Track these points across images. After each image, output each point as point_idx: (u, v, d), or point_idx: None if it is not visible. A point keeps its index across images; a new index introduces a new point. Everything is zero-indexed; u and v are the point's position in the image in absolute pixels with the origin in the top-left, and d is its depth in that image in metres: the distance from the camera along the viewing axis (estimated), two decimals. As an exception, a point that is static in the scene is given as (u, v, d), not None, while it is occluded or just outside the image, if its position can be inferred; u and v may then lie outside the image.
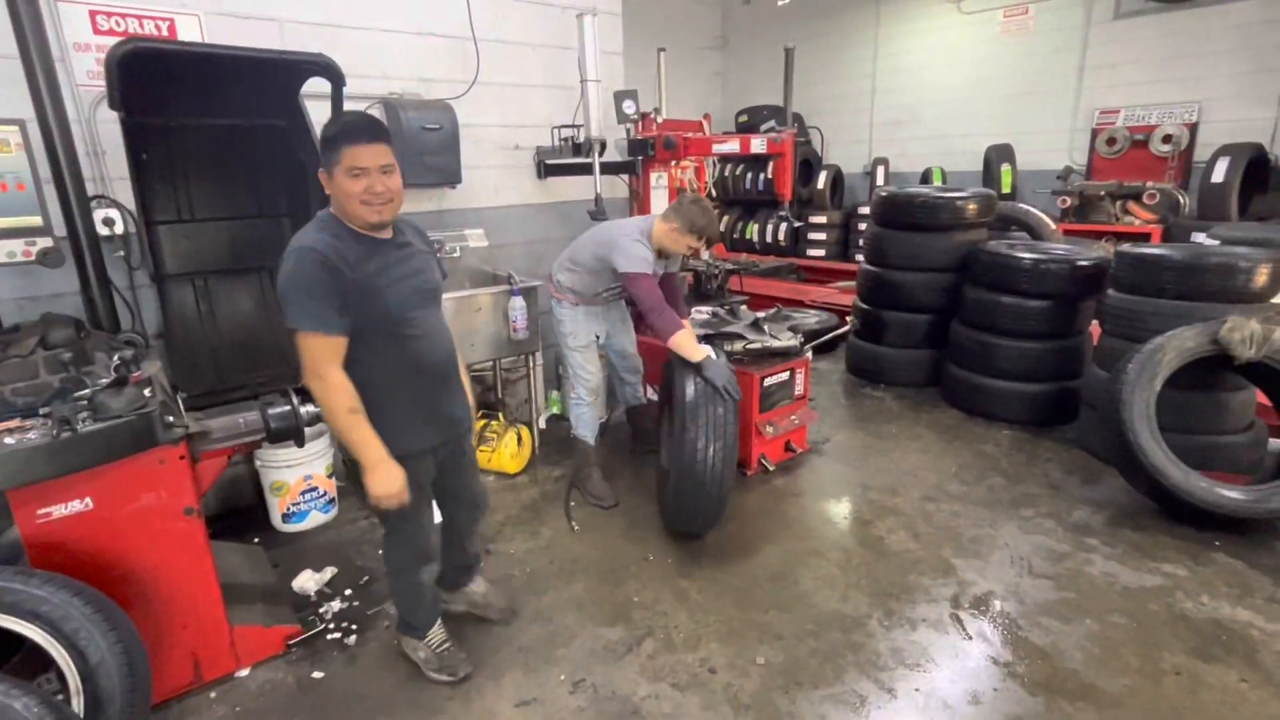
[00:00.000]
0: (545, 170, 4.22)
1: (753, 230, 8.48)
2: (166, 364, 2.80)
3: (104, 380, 1.94)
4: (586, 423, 3.47)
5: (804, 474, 3.67)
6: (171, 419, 1.97)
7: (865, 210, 7.59)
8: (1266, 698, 2.18)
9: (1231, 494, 2.95)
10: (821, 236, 8.06)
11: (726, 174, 8.51)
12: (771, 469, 3.61)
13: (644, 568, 2.88)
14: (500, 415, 3.92)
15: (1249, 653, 2.36)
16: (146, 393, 1.96)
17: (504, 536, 3.14)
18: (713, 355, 2.87)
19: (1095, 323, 4.08)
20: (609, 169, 4.13)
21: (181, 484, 2.02)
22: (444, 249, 3.74)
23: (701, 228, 2.98)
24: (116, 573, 1.98)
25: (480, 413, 3.90)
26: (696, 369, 2.84)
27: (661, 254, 3.12)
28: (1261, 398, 3.39)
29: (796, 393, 3.72)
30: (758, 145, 3.89)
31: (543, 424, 4.33)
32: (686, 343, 2.87)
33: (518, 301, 3.47)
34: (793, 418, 3.70)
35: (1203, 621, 2.51)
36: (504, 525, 3.23)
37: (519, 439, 3.74)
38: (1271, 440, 3.50)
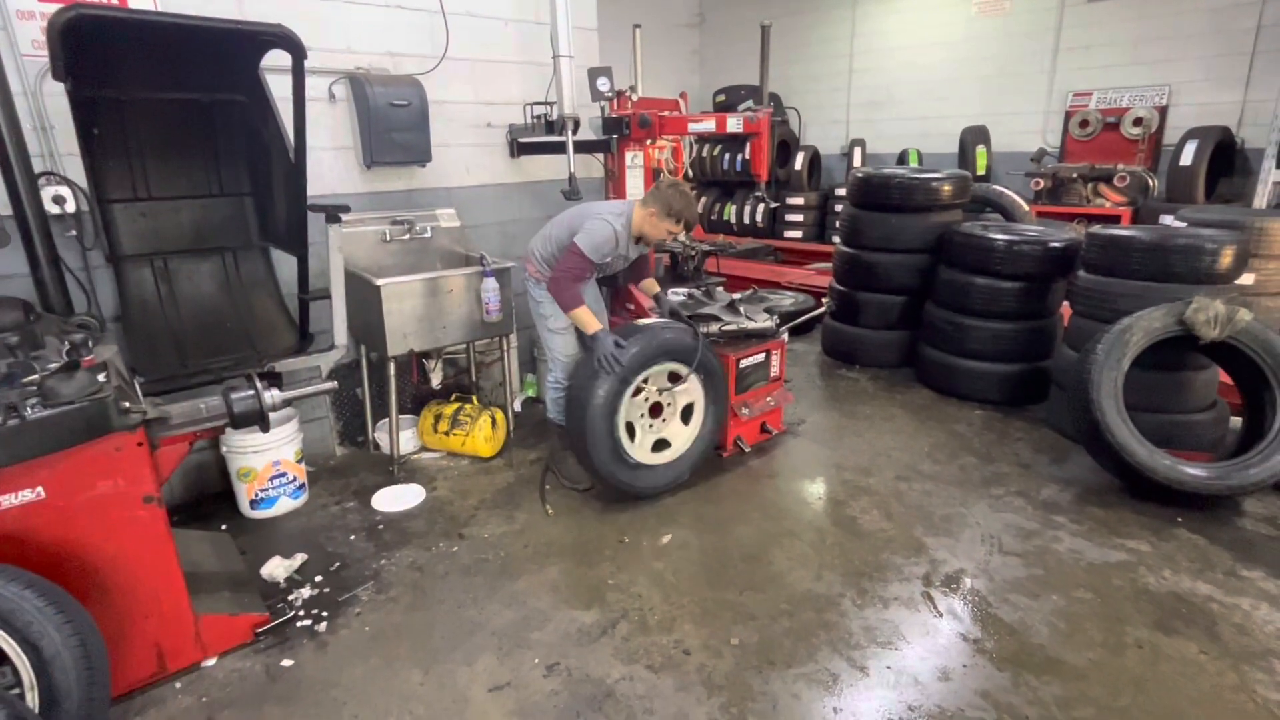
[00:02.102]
0: (518, 149, 4.14)
1: (730, 211, 8.45)
2: (125, 348, 2.72)
3: (54, 365, 1.87)
4: (562, 406, 3.44)
5: (779, 455, 3.69)
6: (128, 404, 1.91)
7: (842, 192, 7.59)
8: (1224, 669, 2.24)
9: (1194, 471, 3.00)
10: (799, 218, 8.05)
11: (704, 154, 8.46)
12: (747, 450, 3.62)
13: (619, 550, 2.88)
14: (474, 399, 3.88)
15: (1209, 625, 2.42)
16: (100, 378, 1.89)
17: (478, 520, 3.12)
18: (605, 331, 3.06)
19: (1066, 303, 4.13)
20: (583, 148, 4.07)
21: (140, 471, 1.97)
22: (414, 229, 3.68)
23: (679, 211, 2.97)
24: (73, 564, 1.92)
25: (454, 396, 3.86)
26: (590, 340, 3.06)
27: (640, 239, 3.09)
28: (1224, 377, 3.45)
29: (772, 374, 3.73)
30: (734, 124, 3.84)
31: (518, 407, 4.30)
32: (585, 317, 3.05)
33: (491, 283, 3.42)
34: (768, 399, 3.71)
35: (1164, 596, 2.56)
36: (478, 509, 3.21)
37: (493, 422, 3.71)
38: (1232, 419, 3.58)
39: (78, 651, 1.74)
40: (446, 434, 3.69)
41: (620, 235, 3.02)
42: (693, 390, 3.16)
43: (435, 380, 3.79)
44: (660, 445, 3.31)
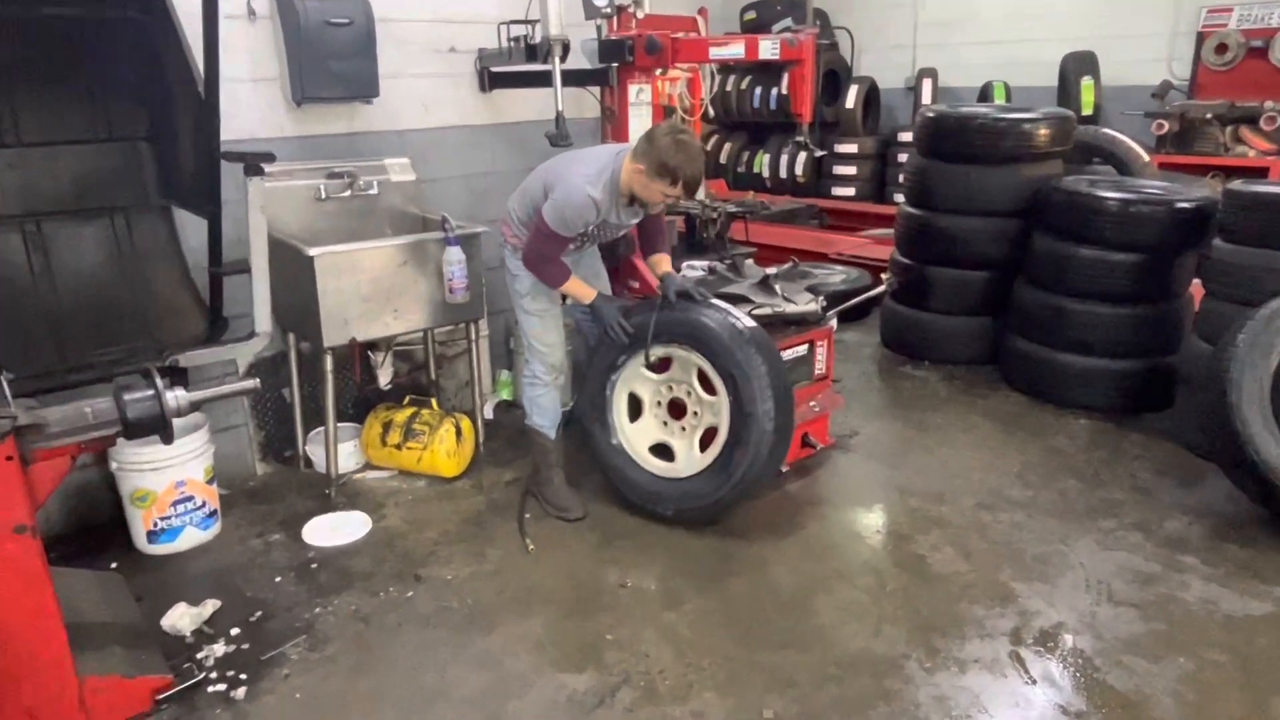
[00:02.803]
0: (490, 80, 4.15)
1: (762, 162, 8.46)
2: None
3: (-100, 356, 1.89)
4: (546, 410, 3.46)
5: (825, 476, 3.69)
6: (-7, 408, 1.92)
7: (907, 137, 7.58)
8: (1401, 753, 2.25)
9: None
10: (850, 170, 8.05)
11: (729, 89, 8.46)
12: (785, 470, 3.62)
13: (620, 597, 2.89)
14: (434, 402, 3.90)
15: (1381, 697, 2.42)
16: (-42, 373, 1.91)
17: (438, 558, 3.13)
18: (603, 297, 3.23)
19: (1197, 282, 4.13)
20: (574, 79, 4.07)
21: (9, 493, 1.99)
22: (356, 184, 3.69)
23: (674, 169, 2.89)
24: (-77, 610, 1.94)
25: (408, 399, 3.88)
26: (591, 311, 3.22)
27: (634, 200, 3.10)
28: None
29: (817, 372, 3.72)
30: (768, 50, 3.85)
31: (489, 413, 4.32)
32: (576, 289, 3.19)
33: (455, 253, 3.43)
34: (812, 404, 3.71)
35: (1324, 658, 2.57)
36: (438, 544, 3.23)
37: (458, 432, 3.73)
38: None
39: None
40: (398, 447, 3.72)
41: (601, 201, 3.02)
42: (721, 411, 3.17)
43: (384, 379, 3.81)
44: (662, 452, 3.35)
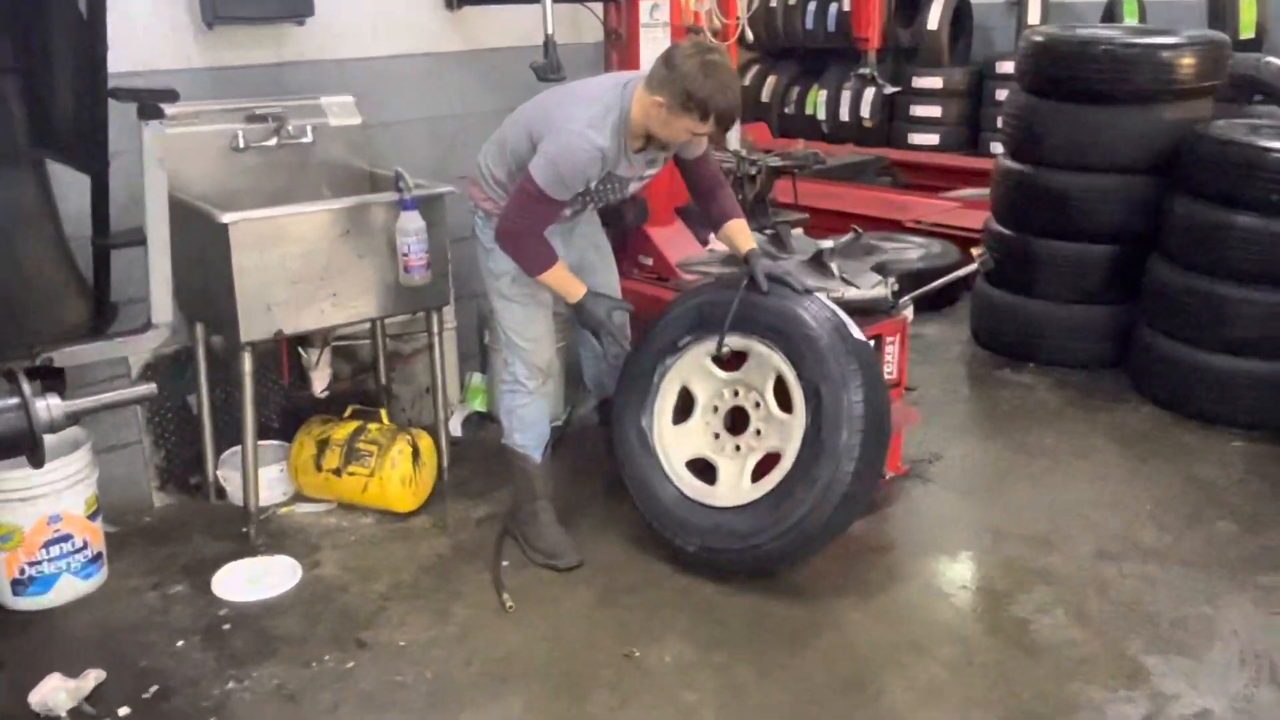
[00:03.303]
0: (460, -6, 4.16)
1: (817, 101, 8.46)
2: None
3: None
4: (530, 426, 3.47)
5: (897, 513, 3.68)
6: None
7: (1008, 68, 7.55)
8: None
9: None
10: (933, 112, 8.05)
11: (774, 4, 8.46)
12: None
13: (625, 671, 2.89)
14: (383, 414, 3.91)
15: None
16: None
17: (388, 619, 3.14)
18: (592, 294, 3.24)
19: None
20: (569, -8, 4.09)
21: None
22: (285, 130, 3.71)
23: (704, 99, 2.89)
24: None
25: (350, 410, 3.90)
26: (574, 312, 3.27)
27: (651, 141, 3.11)
28: None
29: (886, 376, 3.68)
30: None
31: (456, 429, 4.33)
32: (560, 280, 3.20)
33: (412, 220, 3.45)
34: (879, 419, 3.71)
35: None
36: (389, 600, 3.23)
37: (415, 454, 3.75)
38: None
39: None
40: (337, 473, 3.73)
41: (608, 150, 3.03)
42: (791, 435, 3.16)
43: (319, 384, 3.83)
44: (702, 472, 3.36)
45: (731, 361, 3.34)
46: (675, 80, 2.90)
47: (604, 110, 3.03)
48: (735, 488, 3.28)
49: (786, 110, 8.70)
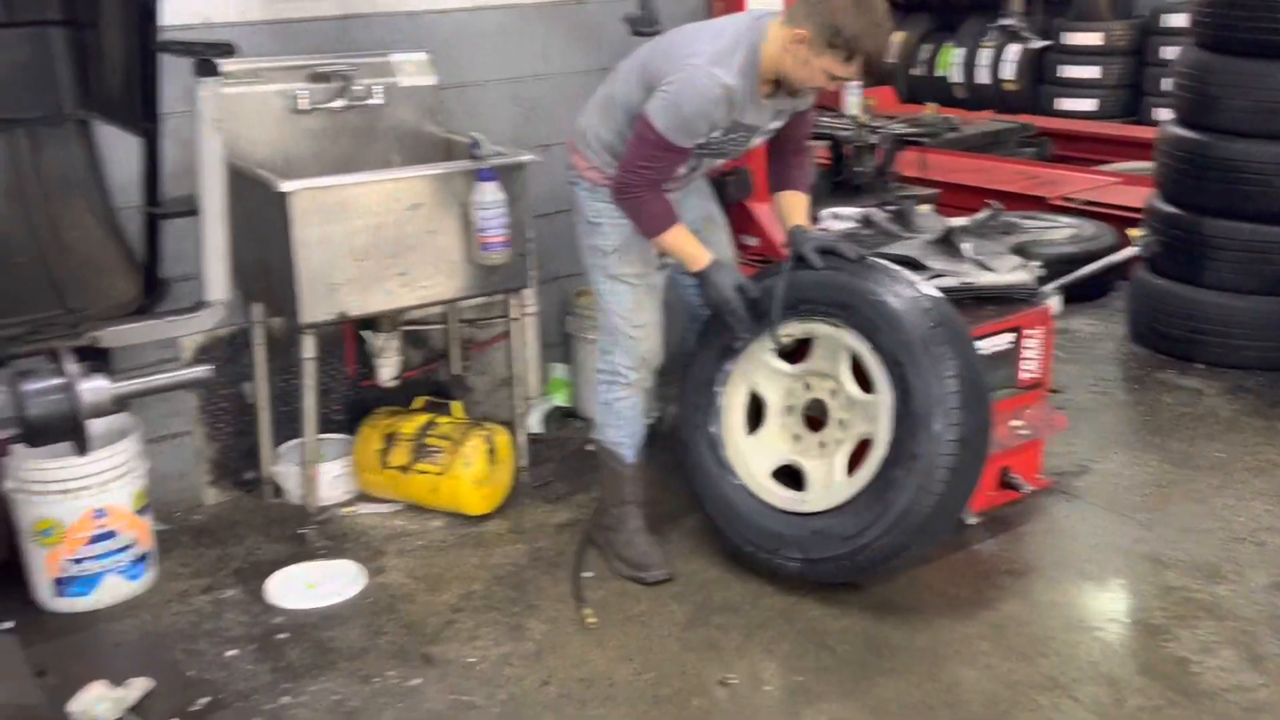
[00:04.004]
0: (545, -61, 4.18)
1: (950, 60, 8.35)
2: None
3: None
4: (625, 423, 3.49)
5: (1036, 532, 3.64)
6: None
7: (1178, 20, 7.38)
8: None
9: None
10: (1088, 73, 7.90)
11: (901, -52, 8.35)
12: (972, 521, 3.58)
13: (720, 698, 2.89)
14: (456, 407, 3.95)
15: None
16: None
17: (458, 632, 3.17)
18: (720, 262, 3.23)
19: None
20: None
21: None
22: (351, 90, 3.76)
23: (854, 36, 2.87)
24: None
25: (420, 401, 3.95)
26: (699, 281, 3.24)
27: (780, 86, 3.09)
28: None
29: (1025, 375, 3.69)
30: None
31: (535, 425, 4.36)
32: (682, 243, 3.20)
33: (491, 191, 3.48)
34: (1017, 424, 3.67)
35: None
36: (459, 611, 3.27)
37: (491, 452, 3.78)
38: None
39: None
40: (405, 470, 3.79)
41: (736, 90, 3.00)
42: (879, 414, 3.14)
43: (387, 372, 3.88)
44: (788, 479, 3.35)
45: (797, 354, 3.34)
46: (822, 12, 2.88)
47: (732, 45, 3.01)
48: (828, 487, 3.27)
49: (915, 71, 8.60)
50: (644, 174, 3.09)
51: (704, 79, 2.97)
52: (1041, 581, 3.38)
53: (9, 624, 3.20)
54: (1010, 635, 3.12)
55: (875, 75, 3.06)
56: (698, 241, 3.24)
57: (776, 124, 3.28)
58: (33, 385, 2.26)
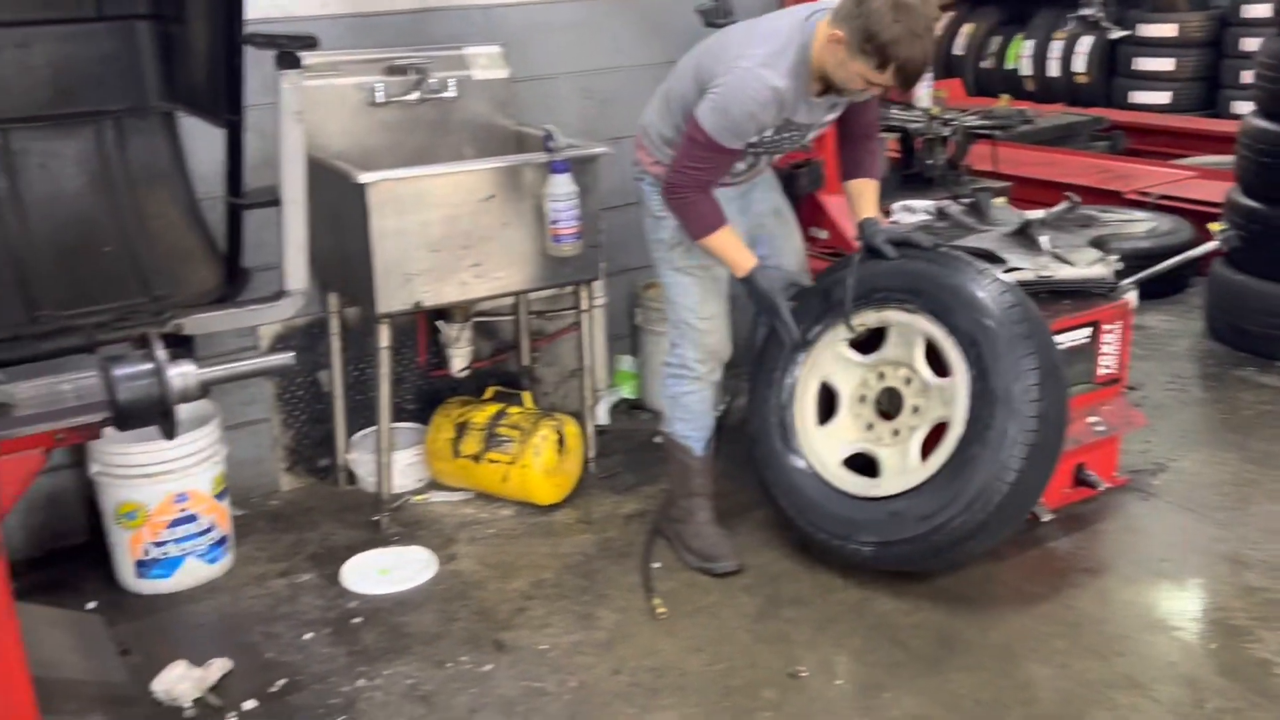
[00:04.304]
0: (618, -70, 4.20)
1: (1020, 52, 8.25)
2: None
3: None
4: (693, 415, 3.50)
5: (1112, 531, 3.62)
6: (-50, 380, 2.08)
7: (1260, 10, 7.26)
8: None
9: None
10: (1164, 65, 7.80)
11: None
12: (1046, 518, 3.56)
13: (791, 691, 2.89)
14: (526, 398, 3.99)
15: None
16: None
17: (529, 619, 3.22)
18: (764, 266, 3.23)
19: None
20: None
21: None
22: (426, 83, 3.80)
23: (887, 43, 2.79)
24: None
25: (490, 391, 3.98)
26: (746, 287, 3.23)
27: (830, 88, 3.07)
28: None
29: (1102, 371, 3.66)
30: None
31: (603, 416, 4.38)
32: (726, 247, 3.17)
33: (563, 184, 3.50)
34: (1093, 420, 3.65)
35: None
36: (530, 599, 3.31)
37: (560, 442, 3.82)
38: None
39: None
40: (476, 459, 3.84)
41: (785, 91, 2.99)
42: (956, 396, 3.13)
43: (459, 362, 3.93)
44: (862, 466, 3.35)
45: (870, 344, 3.34)
46: (859, 16, 2.82)
47: (782, 46, 3.00)
48: (902, 472, 3.26)
49: (983, 64, 8.52)
50: (693, 175, 3.09)
51: (753, 81, 2.96)
52: (1117, 580, 3.36)
53: (92, 604, 3.30)
54: (1086, 633, 3.10)
55: (909, 83, 3.00)
56: (744, 246, 3.24)
57: (832, 116, 3.26)
58: (124, 370, 2.32)
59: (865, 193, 3.36)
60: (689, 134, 3.08)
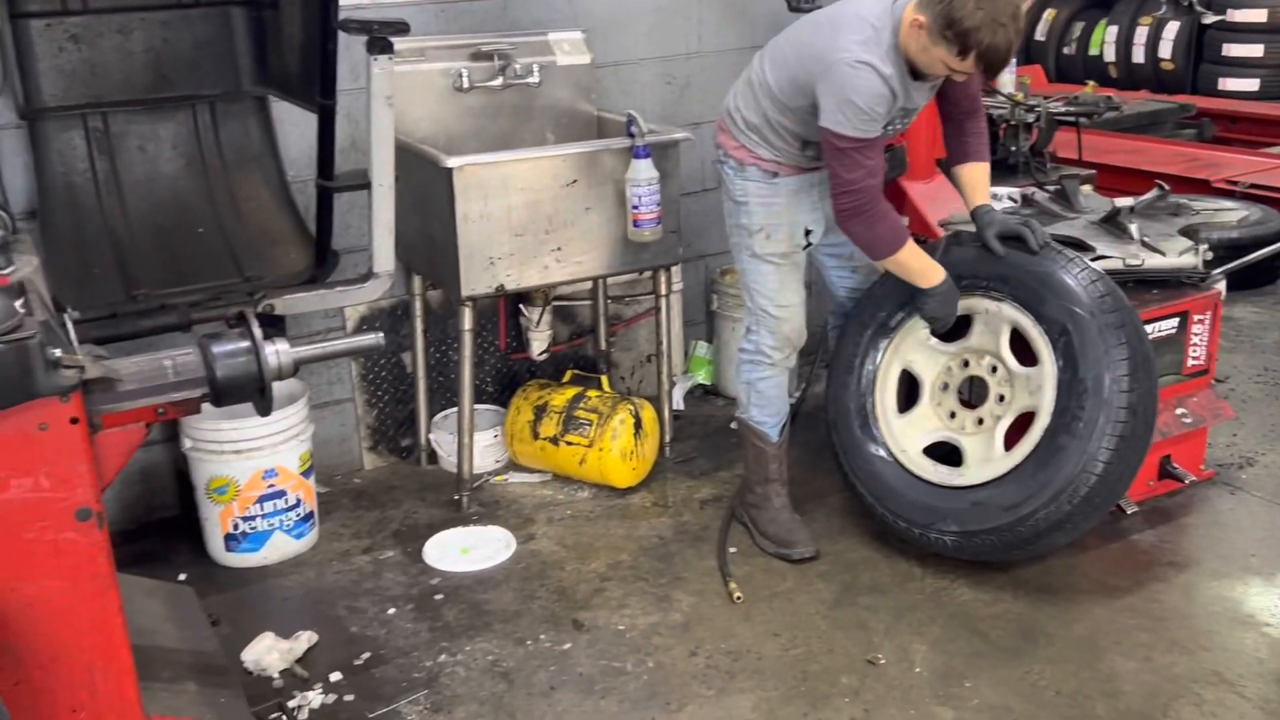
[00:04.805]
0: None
1: (1104, 39, 8.12)
2: (44, 262, 3.05)
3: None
4: (769, 402, 3.51)
5: (1198, 524, 3.58)
6: (60, 354, 2.14)
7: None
8: None
9: None
10: (1253, 51, 7.66)
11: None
12: (1131, 511, 3.54)
13: (868, 678, 2.90)
14: (603, 381, 4.02)
15: None
16: (19, 306, 2.13)
17: (607, 600, 3.25)
18: (949, 281, 3.16)
19: None
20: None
21: (74, 467, 2.17)
22: (510, 69, 3.84)
23: (969, 30, 2.77)
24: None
25: (569, 376, 4.03)
26: (921, 300, 3.19)
27: (918, 73, 3.05)
28: None
29: (1191, 363, 3.63)
30: None
31: (679, 401, 4.40)
32: (914, 260, 3.14)
33: (644, 169, 3.52)
34: (1180, 412, 3.61)
35: None
36: (607, 580, 3.35)
37: (638, 426, 3.85)
38: None
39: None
40: (554, 442, 3.88)
41: (893, 76, 2.97)
42: (1043, 386, 3.12)
43: (538, 346, 3.98)
44: (945, 455, 3.35)
45: (954, 332, 3.32)
46: (941, 1, 2.79)
47: (873, 33, 2.97)
48: (986, 461, 3.25)
49: (1065, 50, 8.40)
50: (859, 185, 3.05)
51: (862, 71, 2.93)
52: (1203, 574, 3.32)
53: (183, 576, 3.39)
54: (1172, 628, 3.07)
55: (993, 71, 2.95)
56: (930, 258, 3.21)
57: (925, 100, 3.24)
58: (223, 348, 2.37)
59: (975, 178, 3.30)
60: (830, 150, 3.05)
